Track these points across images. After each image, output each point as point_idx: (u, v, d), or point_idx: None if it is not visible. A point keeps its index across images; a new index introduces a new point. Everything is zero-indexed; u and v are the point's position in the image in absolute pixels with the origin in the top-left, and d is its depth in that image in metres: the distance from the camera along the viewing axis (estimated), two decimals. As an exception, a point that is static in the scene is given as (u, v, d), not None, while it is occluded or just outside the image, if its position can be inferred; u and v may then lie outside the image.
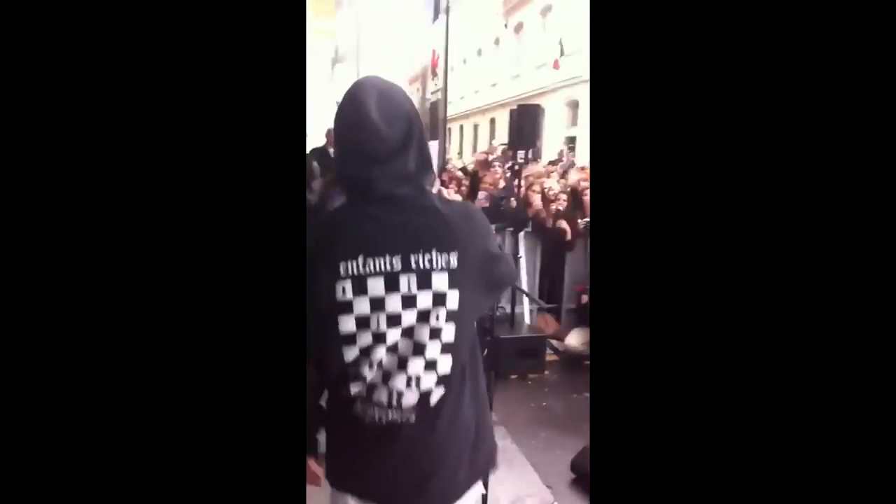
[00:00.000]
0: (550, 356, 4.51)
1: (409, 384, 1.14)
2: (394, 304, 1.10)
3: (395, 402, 1.14)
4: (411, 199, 1.14)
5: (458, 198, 5.09)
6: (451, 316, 1.13)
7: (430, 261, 1.10)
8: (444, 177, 6.73)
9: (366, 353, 1.12)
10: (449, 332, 1.13)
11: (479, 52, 23.51)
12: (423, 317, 1.12)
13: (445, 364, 1.15)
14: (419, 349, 1.13)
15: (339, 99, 1.22)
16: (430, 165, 1.19)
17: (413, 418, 1.16)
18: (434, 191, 1.27)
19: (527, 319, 4.74)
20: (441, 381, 1.16)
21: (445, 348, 1.14)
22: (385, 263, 1.10)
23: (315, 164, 5.44)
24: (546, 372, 4.34)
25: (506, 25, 20.34)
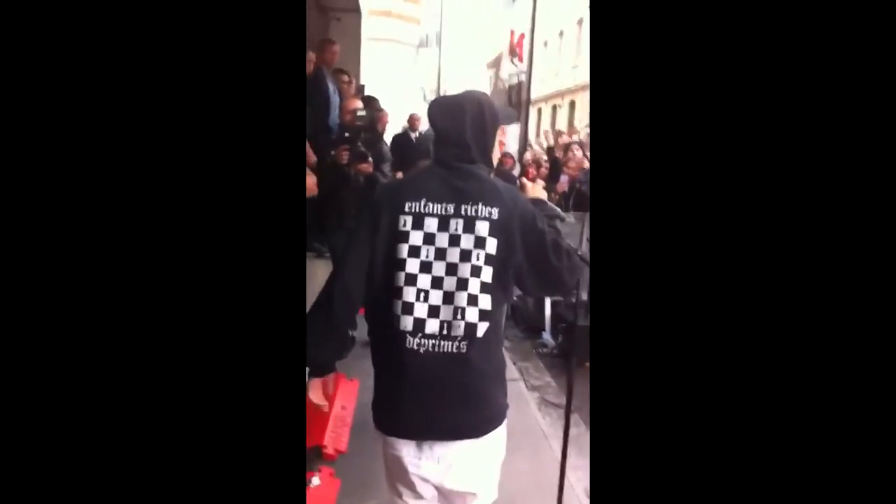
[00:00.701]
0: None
1: (455, 316, 1.33)
2: (442, 240, 1.35)
3: (445, 332, 1.34)
4: (467, 170, 1.42)
5: (541, 183, 5.03)
6: (489, 259, 1.34)
7: (476, 210, 1.35)
8: (528, 157, 6.64)
9: (412, 280, 1.35)
10: (487, 274, 1.34)
11: (561, 34, 23.01)
12: (466, 256, 1.34)
13: (486, 301, 1.35)
14: (462, 284, 1.33)
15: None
16: (490, 161, 1.50)
17: (465, 347, 1.34)
18: (515, 172, 1.58)
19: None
20: (483, 316, 1.34)
21: (484, 287, 1.34)
22: (440, 208, 1.37)
23: (387, 149, 5.52)
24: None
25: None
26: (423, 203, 1.37)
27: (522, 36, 9.17)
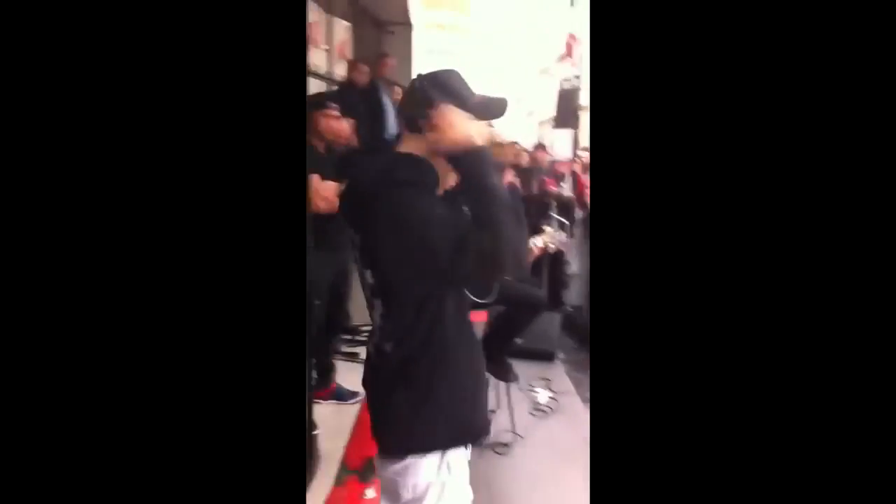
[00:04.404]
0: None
1: (385, 339, 1.32)
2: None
3: (380, 349, 1.34)
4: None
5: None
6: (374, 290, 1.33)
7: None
8: (577, 167, 6.57)
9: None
10: (378, 305, 1.32)
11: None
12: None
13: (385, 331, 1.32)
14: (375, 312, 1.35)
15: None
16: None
17: (394, 362, 1.30)
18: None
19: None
20: (395, 341, 1.30)
21: (384, 317, 1.31)
22: None
23: None
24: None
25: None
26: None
27: (572, 37, 9.13)
